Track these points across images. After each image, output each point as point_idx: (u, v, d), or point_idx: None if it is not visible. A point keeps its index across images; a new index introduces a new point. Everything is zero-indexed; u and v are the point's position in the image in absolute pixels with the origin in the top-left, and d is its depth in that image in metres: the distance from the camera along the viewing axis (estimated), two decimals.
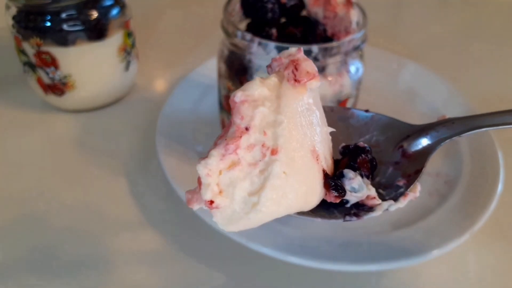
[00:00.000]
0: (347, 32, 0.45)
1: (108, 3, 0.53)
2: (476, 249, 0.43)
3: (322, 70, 0.43)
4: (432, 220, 0.43)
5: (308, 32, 0.46)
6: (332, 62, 0.42)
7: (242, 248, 0.39)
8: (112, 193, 0.48)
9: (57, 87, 0.55)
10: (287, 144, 0.25)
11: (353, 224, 0.44)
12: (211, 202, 0.24)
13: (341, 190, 0.27)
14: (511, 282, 0.41)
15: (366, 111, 0.34)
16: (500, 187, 0.44)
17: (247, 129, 0.24)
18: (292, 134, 0.25)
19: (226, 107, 0.49)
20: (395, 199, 0.29)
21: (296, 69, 0.26)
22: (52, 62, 0.53)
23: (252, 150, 0.25)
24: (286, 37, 0.45)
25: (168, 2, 0.88)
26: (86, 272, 0.40)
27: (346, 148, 0.30)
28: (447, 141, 0.32)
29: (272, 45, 0.41)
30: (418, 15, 0.90)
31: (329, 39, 0.46)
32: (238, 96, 0.25)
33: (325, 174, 0.27)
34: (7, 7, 0.52)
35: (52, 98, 0.57)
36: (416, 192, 0.29)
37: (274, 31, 0.46)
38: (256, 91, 0.25)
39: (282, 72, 0.26)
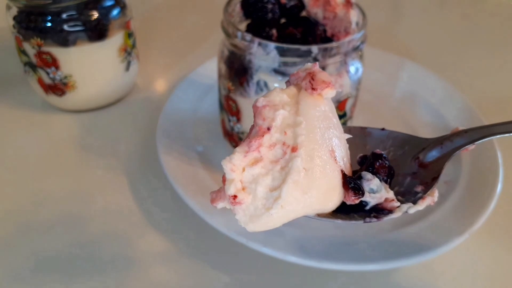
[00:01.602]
0: (347, 32, 0.45)
1: (108, 3, 0.53)
2: (476, 249, 0.43)
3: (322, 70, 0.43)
4: (432, 220, 0.43)
5: (308, 32, 0.46)
6: (331, 63, 0.43)
7: (242, 248, 0.40)
8: (113, 193, 0.48)
9: (58, 87, 0.55)
10: (307, 143, 0.26)
11: (353, 224, 0.44)
12: (235, 197, 0.26)
13: (360, 190, 0.28)
14: (510, 282, 0.41)
15: (382, 129, 0.35)
16: (499, 187, 0.44)
17: (268, 129, 0.26)
18: (310, 134, 0.26)
19: (226, 107, 0.49)
20: (414, 202, 0.30)
21: (313, 79, 0.27)
22: (53, 63, 0.53)
23: (274, 148, 0.26)
24: (286, 38, 0.45)
25: (169, 2, 0.88)
26: (85, 273, 0.41)
27: (363, 157, 0.31)
28: (462, 149, 0.33)
29: (272, 45, 0.41)
30: (418, 15, 0.90)
31: (329, 39, 0.46)
32: (260, 101, 0.26)
33: (344, 174, 0.28)
34: (8, 8, 0.52)
35: (53, 98, 0.57)
36: (434, 196, 0.30)
37: (274, 31, 0.46)
38: (277, 97, 0.27)
39: (299, 84, 0.28)
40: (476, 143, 0.32)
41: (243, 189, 0.26)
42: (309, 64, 0.28)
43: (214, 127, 0.55)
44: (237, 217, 0.26)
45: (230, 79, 0.46)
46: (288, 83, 0.29)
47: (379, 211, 0.29)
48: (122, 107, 0.60)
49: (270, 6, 0.45)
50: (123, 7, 0.55)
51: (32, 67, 0.54)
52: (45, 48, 0.51)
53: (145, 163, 0.52)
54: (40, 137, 0.56)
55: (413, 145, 0.34)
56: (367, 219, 0.29)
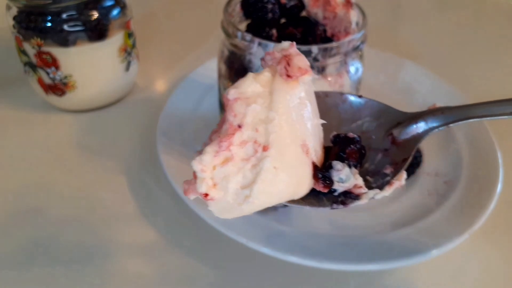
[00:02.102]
0: (347, 32, 0.45)
1: (108, 3, 0.53)
2: (476, 249, 0.43)
3: (322, 70, 0.43)
4: (431, 220, 0.43)
5: (308, 32, 0.46)
6: (331, 63, 0.43)
7: (242, 248, 0.40)
8: (113, 193, 0.48)
9: (58, 87, 0.55)
10: (278, 140, 0.26)
11: (353, 223, 0.44)
12: (206, 195, 0.26)
13: (329, 181, 0.29)
14: (511, 282, 0.41)
15: (360, 96, 0.35)
16: (499, 187, 0.44)
17: (239, 126, 0.26)
18: (283, 130, 0.26)
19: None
20: (381, 187, 0.30)
21: (289, 64, 0.26)
22: (53, 63, 0.53)
23: (245, 146, 0.26)
24: (286, 38, 0.45)
25: (169, 2, 0.88)
26: (85, 272, 0.41)
27: (337, 137, 0.31)
28: (435, 130, 0.32)
29: (272, 45, 0.41)
30: (418, 16, 0.90)
31: (329, 39, 0.46)
32: (231, 93, 0.26)
33: (315, 166, 0.28)
34: (8, 8, 0.52)
35: (53, 98, 0.57)
36: (401, 180, 0.30)
37: (274, 31, 0.46)
38: (249, 88, 0.26)
39: (275, 66, 0.27)
40: (450, 125, 0.32)
41: (214, 185, 0.26)
42: (285, 44, 0.27)
43: (214, 127, 0.54)
44: (210, 208, 0.27)
45: (230, 79, 0.46)
46: (263, 62, 0.28)
47: (347, 194, 0.30)
48: (122, 107, 0.60)
49: (270, 6, 0.45)
50: (123, 7, 0.55)
51: (32, 67, 0.54)
52: (45, 48, 0.51)
53: (145, 163, 0.52)
54: (40, 137, 0.56)
55: (388, 117, 0.34)
56: (334, 205, 0.30)
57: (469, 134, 0.52)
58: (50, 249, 0.42)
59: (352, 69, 0.45)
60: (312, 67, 0.42)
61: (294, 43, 0.27)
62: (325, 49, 0.41)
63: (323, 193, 0.30)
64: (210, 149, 0.26)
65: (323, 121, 0.30)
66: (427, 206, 0.45)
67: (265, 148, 0.26)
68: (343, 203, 0.30)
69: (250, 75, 0.26)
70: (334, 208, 0.30)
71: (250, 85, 0.26)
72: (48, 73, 0.54)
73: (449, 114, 0.32)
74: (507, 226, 0.46)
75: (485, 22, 0.87)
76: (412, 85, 0.62)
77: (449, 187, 0.47)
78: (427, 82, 0.61)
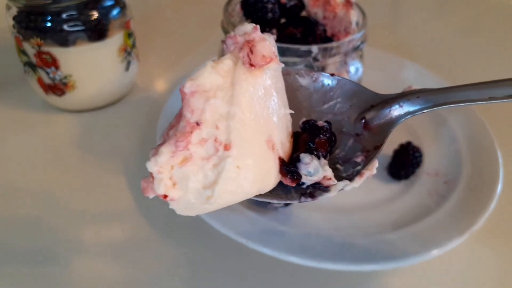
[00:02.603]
0: (347, 32, 0.45)
1: (108, 3, 0.53)
2: (476, 249, 0.43)
3: (322, 70, 0.43)
4: (432, 220, 0.43)
5: (308, 32, 0.46)
6: (331, 62, 0.43)
7: (242, 248, 0.40)
8: (112, 192, 0.48)
9: (58, 87, 0.55)
10: (241, 138, 0.24)
11: (353, 223, 0.44)
12: (165, 196, 0.25)
13: (297, 176, 0.27)
14: (511, 282, 0.41)
15: (332, 75, 0.32)
16: (499, 187, 0.44)
17: (198, 124, 0.23)
18: (246, 127, 0.24)
19: None
20: (351, 178, 0.29)
21: (252, 51, 0.24)
22: (53, 62, 0.53)
23: (205, 144, 0.24)
24: (286, 38, 0.45)
25: (169, 2, 0.88)
26: (84, 273, 0.41)
27: (306, 123, 0.29)
28: (408, 116, 0.30)
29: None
30: (418, 16, 0.90)
31: (329, 39, 0.46)
32: (188, 86, 0.23)
33: (281, 162, 0.27)
34: (8, 8, 0.52)
35: (53, 98, 0.57)
36: (372, 170, 0.29)
37: (274, 31, 0.46)
38: (208, 80, 0.23)
39: (237, 52, 0.25)
40: (425, 111, 0.30)
41: (174, 185, 0.24)
42: (248, 27, 0.25)
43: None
44: (171, 207, 0.25)
45: None
46: (224, 46, 0.26)
47: (316, 185, 0.29)
48: (122, 107, 0.60)
49: (270, 6, 0.45)
50: (123, 7, 0.55)
51: (32, 67, 0.54)
52: (45, 48, 0.51)
53: (145, 162, 0.51)
54: (39, 137, 0.55)
55: (361, 98, 0.32)
56: (303, 198, 0.29)
57: (469, 134, 0.52)
58: (49, 249, 0.42)
59: (352, 69, 0.45)
60: (312, 67, 0.42)
61: (258, 26, 0.24)
62: (325, 49, 0.41)
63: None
64: (166, 150, 0.24)
65: (291, 111, 0.28)
66: (427, 206, 0.45)
67: (226, 147, 0.24)
68: (312, 195, 0.29)
69: (208, 64, 0.24)
70: (302, 202, 0.29)
71: (209, 76, 0.23)
72: (48, 73, 0.54)
73: (426, 99, 0.30)
74: (508, 226, 0.46)
75: (485, 22, 0.87)
76: (412, 85, 0.62)
77: (449, 187, 0.47)
78: (427, 82, 0.61)
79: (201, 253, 0.42)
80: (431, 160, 0.51)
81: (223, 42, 0.25)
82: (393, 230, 0.42)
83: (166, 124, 0.52)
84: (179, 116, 0.24)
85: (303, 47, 0.41)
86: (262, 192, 0.27)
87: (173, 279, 0.40)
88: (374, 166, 0.29)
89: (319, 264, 0.38)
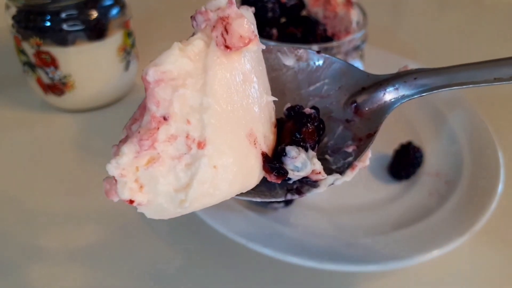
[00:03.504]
0: (347, 32, 0.45)
1: (108, 3, 0.53)
2: (477, 249, 0.43)
3: None
4: (432, 220, 0.43)
5: (308, 32, 0.46)
6: None
7: (242, 248, 0.39)
8: None
9: (57, 87, 0.55)
10: (217, 134, 0.21)
11: (353, 224, 0.44)
12: (131, 201, 0.21)
13: (282, 172, 0.24)
14: (511, 282, 0.41)
15: (318, 52, 0.29)
16: (500, 187, 0.44)
17: (165, 118, 0.20)
18: (222, 121, 0.21)
19: None
20: (342, 171, 0.26)
21: (227, 31, 0.20)
22: (52, 62, 0.52)
23: (174, 142, 0.20)
24: (287, 37, 0.45)
25: (169, 2, 0.88)
26: (84, 272, 0.40)
27: (291, 109, 0.26)
28: (405, 100, 0.27)
29: (272, 45, 0.41)
30: (418, 15, 0.90)
31: (329, 39, 0.46)
32: (151, 74, 0.19)
33: (265, 157, 0.24)
34: (7, 7, 0.51)
35: (52, 98, 0.57)
36: (365, 161, 0.26)
37: (274, 31, 0.45)
38: (175, 65, 0.19)
39: (209, 31, 0.21)
40: (423, 95, 0.26)
41: (141, 187, 0.21)
42: (222, 1, 0.21)
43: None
44: (140, 211, 0.22)
45: None
46: (194, 22, 0.22)
47: (304, 179, 0.26)
48: (121, 107, 0.60)
49: (270, 5, 0.45)
50: (122, 7, 0.55)
51: (31, 66, 0.54)
52: (44, 48, 0.51)
53: None
54: (39, 137, 0.55)
55: (351, 79, 0.28)
56: (289, 195, 0.26)
57: (470, 134, 0.52)
58: (48, 249, 0.42)
59: None
60: None
61: (234, 1, 0.20)
62: (326, 49, 0.41)
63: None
64: (128, 150, 0.20)
65: (274, 98, 0.24)
66: (427, 206, 0.45)
67: (200, 145, 0.20)
68: (299, 191, 0.26)
69: (175, 46, 0.20)
70: (288, 199, 0.26)
71: (176, 60, 0.19)
72: (47, 73, 0.54)
73: (424, 80, 0.27)
74: (508, 226, 0.46)
75: (485, 22, 0.87)
76: (408, 65, 0.61)
77: (450, 187, 0.47)
78: None
79: (201, 253, 0.42)
80: (432, 160, 0.51)
81: (193, 18, 0.21)
82: (394, 230, 0.42)
83: None
84: (143, 108, 0.21)
85: (304, 47, 0.40)
86: (244, 191, 0.24)
87: (173, 279, 0.40)
88: (367, 157, 0.26)
89: (319, 264, 0.38)
